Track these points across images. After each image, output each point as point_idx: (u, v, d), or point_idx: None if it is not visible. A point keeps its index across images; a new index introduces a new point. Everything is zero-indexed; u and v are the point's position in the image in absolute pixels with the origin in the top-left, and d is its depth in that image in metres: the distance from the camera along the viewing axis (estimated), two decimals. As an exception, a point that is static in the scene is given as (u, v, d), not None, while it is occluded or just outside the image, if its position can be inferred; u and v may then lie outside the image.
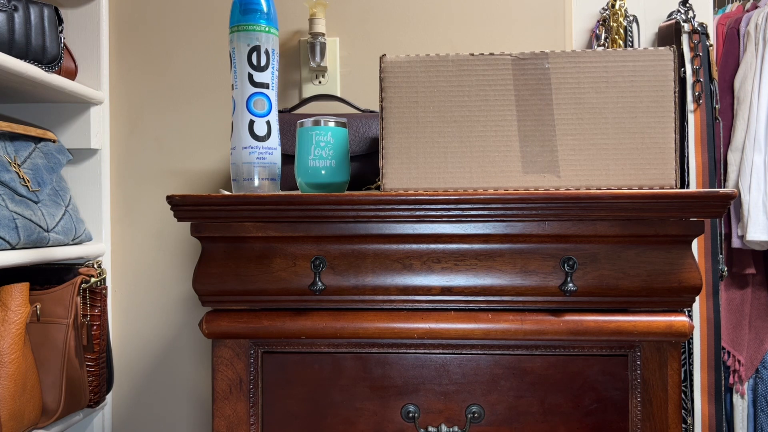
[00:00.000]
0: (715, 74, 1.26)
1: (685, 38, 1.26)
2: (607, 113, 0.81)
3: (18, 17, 1.10)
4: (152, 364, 1.43)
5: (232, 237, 0.83)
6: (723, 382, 1.29)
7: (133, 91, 1.43)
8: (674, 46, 0.83)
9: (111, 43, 1.42)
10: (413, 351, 0.84)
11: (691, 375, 1.24)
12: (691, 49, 1.25)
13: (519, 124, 0.81)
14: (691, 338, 1.25)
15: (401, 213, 0.79)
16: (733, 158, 1.39)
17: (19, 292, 1.07)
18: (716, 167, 1.26)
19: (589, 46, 1.35)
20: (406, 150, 0.82)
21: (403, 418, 0.84)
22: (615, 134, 0.80)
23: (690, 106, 1.25)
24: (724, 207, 0.77)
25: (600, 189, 0.80)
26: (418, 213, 0.79)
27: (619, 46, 1.27)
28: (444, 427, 0.82)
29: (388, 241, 0.82)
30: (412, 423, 0.84)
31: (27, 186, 1.13)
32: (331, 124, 0.88)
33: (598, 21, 1.32)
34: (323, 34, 1.32)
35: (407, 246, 0.82)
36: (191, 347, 1.42)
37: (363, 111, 1.21)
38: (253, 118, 0.89)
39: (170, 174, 1.42)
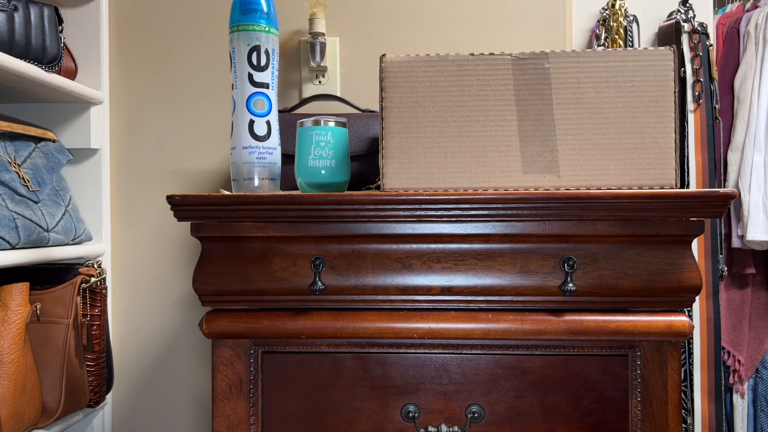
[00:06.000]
0: (715, 74, 1.26)
1: (685, 38, 1.26)
2: (607, 113, 0.81)
3: (18, 17, 1.10)
4: (152, 364, 1.43)
5: (232, 237, 0.83)
6: (723, 382, 1.29)
7: (133, 91, 1.43)
8: (674, 45, 0.83)
9: (111, 43, 1.42)
10: (413, 351, 0.84)
11: (691, 375, 1.24)
12: (691, 49, 1.25)
13: (519, 124, 0.81)
14: (691, 338, 1.25)
15: (401, 213, 0.79)
16: (733, 158, 1.39)
17: (19, 291, 1.07)
18: (716, 167, 1.26)
19: (589, 46, 1.35)
20: (406, 150, 0.82)
21: (403, 418, 0.84)
22: (615, 134, 0.80)
23: (690, 106, 1.25)
24: (724, 207, 0.77)
25: (600, 189, 0.80)
26: (418, 213, 0.79)
27: (619, 46, 1.27)
28: (444, 427, 0.82)
29: (388, 241, 0.82)
30: (412, 423, 0.84)
31: (27, 186, 1.13)
32: (331, 124, 0.88)
33: (598, 21, 1.32)
34: (323, 34, 1.32)
35: (407, 246, 0.82)
36: (191, 347, 1.42)
37: (363, 111, 1.21)
38: (253, 117, 0.89)
39: (170, 174, 1.42)
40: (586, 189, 0.80)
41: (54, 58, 1.17)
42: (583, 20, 1.36)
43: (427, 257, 0.82)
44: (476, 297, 0.81)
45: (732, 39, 1.44)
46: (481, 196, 0.77)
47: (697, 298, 1.16)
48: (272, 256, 0.83)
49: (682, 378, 1.23)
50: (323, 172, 0.87)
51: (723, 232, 1.29)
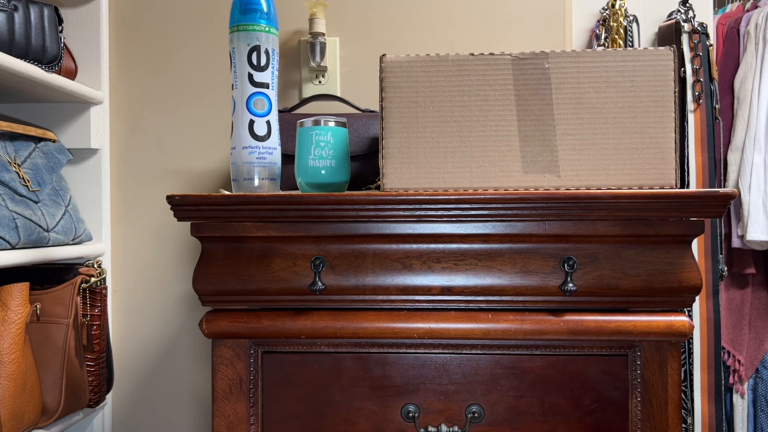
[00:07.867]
0: (715, 74, 1.26)
1: (685, 38, 1.26)
2: (607, 113, 0.81)
3: (18, 17, 1.10)
4: (152, 364, 1.43)
5: (232, 237, 0.83)
6: (723, 382, 1.29)
7: (133, 91, 1.43)
8: (674, 45, 0.83)
9: (111, 43, 1.42)
10: (413, 351, 0.84)
11: (691, 375, 1.24)
12: (691, 48, 1.25)
13: (519, 123, 0.81)
14: (691, 338, 1.25)
15: (401, 213, 0.79)
16: (733, 158, 1.39)
17: (19, 291, 1.07)
18: (716, 167, 1.26)
19: (589, 46, 1.35)
20: (406, 150, 0.82)
21: (403, 418, 0.84)
22: (615, 134, 0.80)
23: (690, 106, 1.25)
24: (724, 207, 0.77)
25: (600, 189, 0.80)
26: (418, 213, 0.79)
27: (619, 46, 1.27)
28: (444, 427, 0.82)
29: (388, 240, 0.82)
30: (412, 423, 0.84)
31: (27, 186, 1.13)
32: (331, 124, 0.88)
33: (598, 21, 1.32)
34: (323, 34, 1.32)
35: (407, 246, 0.82)
36: (191, 347, 1.42)
37: (363, 111, 1.21)
38: (253, 117, 0.89)
39: (170, 174, 1.42)
40: (586, 189, 0.80)
41: (54, 58, 1.17)
42: (583, 20, 1.36)
43: (427, 257, 0.82)
44: (476, 297, 0.81)
45: (732, 39, 1.44)
46: (481, 196, 0.77)
47: (697, 298, 1.16)
48: (272, 256, 0.83)
49: (682, 378, 1.23)
50: (323, 172, 0.87)
51: (723, 232, 1.29)
